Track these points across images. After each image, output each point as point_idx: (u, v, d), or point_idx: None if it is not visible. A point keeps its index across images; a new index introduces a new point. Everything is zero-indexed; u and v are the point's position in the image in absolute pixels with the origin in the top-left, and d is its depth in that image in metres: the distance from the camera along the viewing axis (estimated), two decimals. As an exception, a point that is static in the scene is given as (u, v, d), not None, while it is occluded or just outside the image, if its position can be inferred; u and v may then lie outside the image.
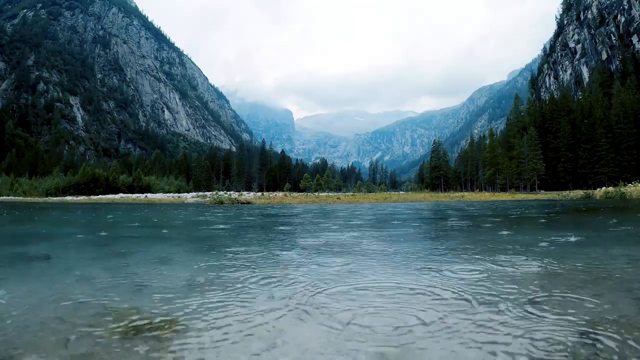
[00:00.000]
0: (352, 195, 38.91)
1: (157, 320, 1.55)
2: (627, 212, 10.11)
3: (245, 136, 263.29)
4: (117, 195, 41.71)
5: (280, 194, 39.23)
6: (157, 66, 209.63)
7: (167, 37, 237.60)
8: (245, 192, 45.30)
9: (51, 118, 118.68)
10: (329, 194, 48.30)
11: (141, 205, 20.28)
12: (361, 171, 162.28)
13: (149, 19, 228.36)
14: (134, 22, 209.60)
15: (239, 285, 2.20)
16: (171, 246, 4.23)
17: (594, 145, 51.91)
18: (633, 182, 27.99)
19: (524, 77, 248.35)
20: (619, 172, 48.33)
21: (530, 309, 1.66)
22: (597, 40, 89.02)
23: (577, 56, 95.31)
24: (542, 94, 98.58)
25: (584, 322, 1.48)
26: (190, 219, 9.48)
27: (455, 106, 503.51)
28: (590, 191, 27.61)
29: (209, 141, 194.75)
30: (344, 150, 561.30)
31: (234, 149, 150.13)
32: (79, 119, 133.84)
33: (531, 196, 30.85)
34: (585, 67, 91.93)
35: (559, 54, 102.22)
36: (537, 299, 1.83)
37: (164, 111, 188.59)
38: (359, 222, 7.36)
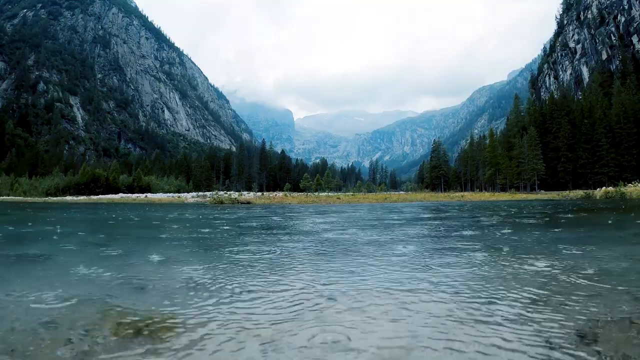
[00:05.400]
0: (352, 195, 38.90)
1: (157, 320, 1.55)
2: (628, 212, 10.10)
3: (245, 136, 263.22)
4: (117, 195, 41.69)
5: (280, 194, 39.22)
6: (157, 66, 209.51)
7: (167, 37, 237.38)
8: (245, 192, 45.28)
9: (51, 118, 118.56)
10: (329, 194, 48.27)
11: (141, 205, 20.27)
12: (361, 171, 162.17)
13: (149, 19, 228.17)
14: (134, 22, 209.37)
15: (238, 286, 2.20)
16: (171, 246, 4.23)
17: (594, 145, 51.88)
18: (633, 182, 27.99)
19: (524, 77, 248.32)
20: (619, 172, 48.30)
21: (530, 308, 1.65)
22: (597, 40, 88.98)
23: (577, 56, 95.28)
24: (542, 94, 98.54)
25: (584, 322, 1.48)
26: (190, 219, 9.48)
27: (455, 106, 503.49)
28: (590, 191, 27.60)
29: (209, 141, 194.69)
30: (344, 150, 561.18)
31: (234, 149, 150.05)
32: (79, 119, 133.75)
33: (531, 196, 30.85)
34: (585, 67, 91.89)
35: (559, 54, 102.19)
36: (538, 298, 1.82)
37: (164, 111, 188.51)
38: (358, 220, 7.36)
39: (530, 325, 1.45)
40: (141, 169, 72.16)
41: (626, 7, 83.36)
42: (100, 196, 39.74)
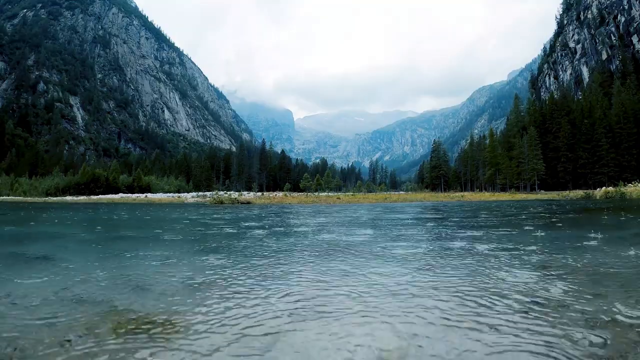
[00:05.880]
0: (352, 195, 38.90)
1: (157, 320, 1.55)
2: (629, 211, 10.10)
3: (245, 136, 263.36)
4: (117, 195, 41.70)
5: (280, 194, 39.23)
6: (157, 66, 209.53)
7: (167, 37, 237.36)
8: (245, 192, 45.29)
9: (51, 118, 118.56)
10: (329, 194, 48.28)
11: (141, 205, 20.27)
12: (361, 171, 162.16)
13: (149, 19, 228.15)
14: (134, 22, 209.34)
15: (238, 286, 2.20)
16: (170, 246, 4.23)
17: (594, 145, 51.87)
18: (633, 182, 28.00)
19: (524, 77, 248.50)
20: (619, 172, 48.30)
21: (530, 308, 1.66)
22: (597, 40, 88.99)
23: (577, 56, 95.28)
24: (542, 94, 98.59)
25: (584, 322, 1.48)
26: (190, 219, 9.48)
27: (455, 106, 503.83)
28: (590, 191, 27.61)
29: (209, 141, 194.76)
30: (344, 150, 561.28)
31: (234, 149, 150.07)
32: (79, 119, 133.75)
33: (531, 196, 30.85)
34: (585, 67, 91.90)
35: (559, 54, 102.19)
36: (537, 298, 1.83)
37: (164, 111, 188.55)
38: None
39: (529, 326, 1.44)
40: (141, 169, 72.17)
41: (626, 7, 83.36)
42: (100, 196, 39.75)
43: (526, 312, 1.60)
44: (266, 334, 1.39)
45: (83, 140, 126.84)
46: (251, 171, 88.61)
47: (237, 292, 2.04)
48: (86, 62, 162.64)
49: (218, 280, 2.33)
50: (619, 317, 1.54)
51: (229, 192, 39.84)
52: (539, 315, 1.56)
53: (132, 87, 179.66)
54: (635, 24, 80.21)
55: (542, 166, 53.16)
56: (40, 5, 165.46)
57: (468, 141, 78.36)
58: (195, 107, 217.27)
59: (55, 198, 40.61)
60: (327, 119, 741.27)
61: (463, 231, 5.47)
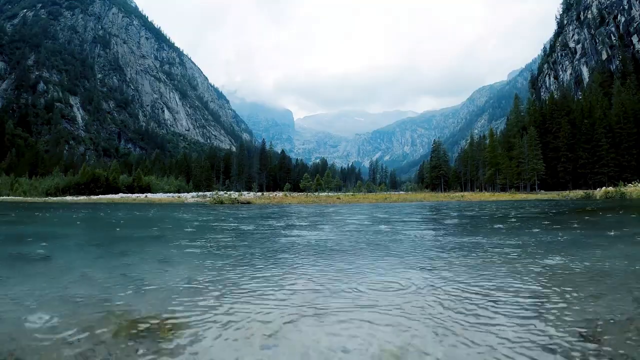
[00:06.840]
0: (352, 195, 38.90)
1: (157, 320, 1.55)
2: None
3: (245, 136, 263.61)
4: (117, 195, 41.70)
5: (280, 194, 39.24)
6: (157, 66, 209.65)
7: (167, 37, 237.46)
8: (245, 192, 45.29)
9: (51, 118, 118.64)
10: (329, 194, 48.29)
11: (141, 205, 20.27)
12: (361, 171, 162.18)
13: (149, 19, 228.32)
14: (134, 22, 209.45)
15: (239, 285, 2.20)
16: (170, 246, 4.22)
17: (594, 145, 51.90)
18: (633, 182, 28.00)
19: (524, 77, 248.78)
20: (619, 172, 48.33)
21: (530, 309, 1.66)
22: (597, 40, 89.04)
23: (577, 56, 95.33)
24: (542, 94, 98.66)
25: (584, 322, 1.48)
26: (190, 219, 9.47)
27: (455, 106, 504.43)
28: (590, 191, 27.61)
29: (209, 141, 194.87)
30: (344, 150, 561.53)
31: (234, 148, 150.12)
32: (79, 119, 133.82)
33: (531, 196, 30.85)
34: (585, 67, 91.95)
35: (559, 54, 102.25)
36: (538, 298, 1.83)
37: (164, 111, 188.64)
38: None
39: (530, 326, 1.45)
40: (141, 169, 72.21)
41: (626, 7, 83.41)
42: (100, 196, 39.74)
43: (526, 312, 1.61)
44: (266, 334, 1.39)
45: (83, 140, 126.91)
46: (251, 171, 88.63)
47: (237, 292, 2.03)
48: (86, 62, 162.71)
49: (218, 281, 2.33)
50: (618, 317, 1.54)
51: (229, 192, 39.84)
52: (539, 315, 1.57)
53: (132, 87, 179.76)
54: (635, 24, 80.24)
55: (542, 166, 53.19)
56: (40, 5, 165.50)
57: (468, 141, 78.35)
58: (195, 107, 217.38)
59: (55, 198, 40.60)
60: (327, 119, 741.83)
61: (462, 231, 5.47)
